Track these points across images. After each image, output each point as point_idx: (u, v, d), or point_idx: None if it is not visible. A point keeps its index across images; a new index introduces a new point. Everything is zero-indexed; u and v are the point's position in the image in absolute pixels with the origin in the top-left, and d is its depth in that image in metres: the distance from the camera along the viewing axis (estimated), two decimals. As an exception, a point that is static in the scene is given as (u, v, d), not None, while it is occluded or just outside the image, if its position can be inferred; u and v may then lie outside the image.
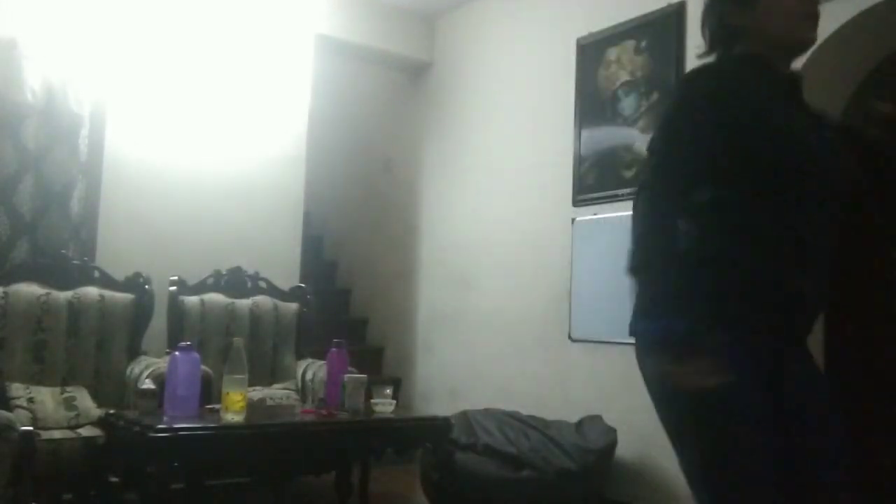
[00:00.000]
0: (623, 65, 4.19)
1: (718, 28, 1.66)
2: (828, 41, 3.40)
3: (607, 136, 4.24)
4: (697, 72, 1.61)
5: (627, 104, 4.14)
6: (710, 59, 1.67)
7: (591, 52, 4.37)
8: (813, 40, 1.61)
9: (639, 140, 4.06)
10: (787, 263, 1.53)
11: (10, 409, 3.10)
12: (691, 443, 1.59)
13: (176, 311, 3.96)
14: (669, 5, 3.97)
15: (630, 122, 4.12)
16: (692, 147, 1.51)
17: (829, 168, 1.53)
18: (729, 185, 1.52)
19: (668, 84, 3.95)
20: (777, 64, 1.61)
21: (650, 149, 1.58)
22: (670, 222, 1.51)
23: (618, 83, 4.21)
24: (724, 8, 1.64)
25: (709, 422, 1.50)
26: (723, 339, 1.46)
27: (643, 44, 4.11)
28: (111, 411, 3.19)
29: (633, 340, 1.61)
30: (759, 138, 1.50)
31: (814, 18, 1.60)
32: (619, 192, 4.09)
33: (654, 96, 4.02)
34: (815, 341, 3.69)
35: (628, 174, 4.08)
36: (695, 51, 1.69)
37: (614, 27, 4.25)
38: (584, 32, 4.41)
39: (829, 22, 3.38)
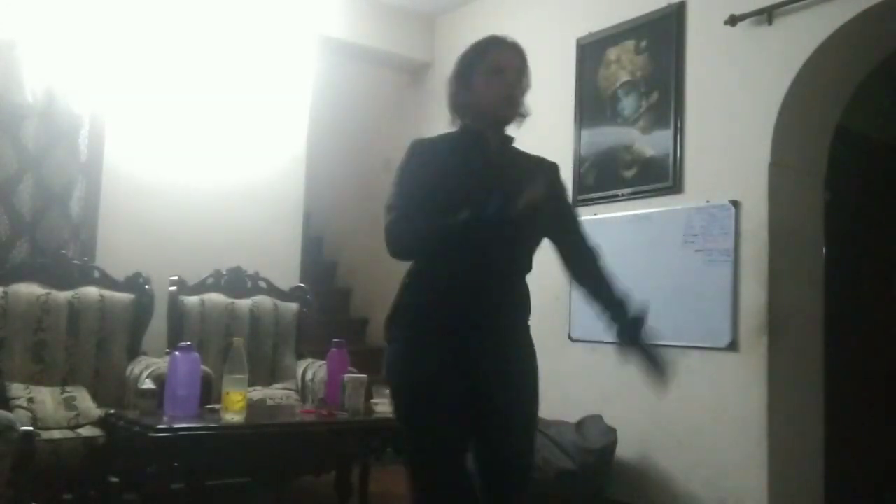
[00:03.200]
0: (623, 65, 4.19)
1: (451, 103, 2.16)
2: (828, 41, 3.41)
3: (607, 136, 4.24)
4: (413, 142, 2.19)
5: (627, 104, 4.14)
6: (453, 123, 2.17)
7: (591, 52, 4.37)
8: (508, 117, 2.13)
9: (639, 140, 4.06)
10: (449, 270, 2.04)
11: (10, 409, 3.10)
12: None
13: (176, 311, 3.96)
14: (669, 5, 3.97)
15: (630, 122, 4.12)
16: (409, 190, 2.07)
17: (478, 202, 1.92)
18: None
19: (668, 84, 3.95)
20: (486, 131, 2.12)
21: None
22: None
23: (618, 83, 4.21)
24: (452, 89, 2.16)
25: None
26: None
27: (643, 44, 4.11)
28: (111, 411, 3.19)
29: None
30: (433, 185, 2.03)
31: (512, 100, 2.10)
32: (619, 192, 4.10)
33: (654, 96, 4.02)
34: (816, 339, 3.69)
35: (628, 174, 4.08)
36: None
37: (614, 27, 4.25)
38: (584, 32, 4.41)
39: (829, 22, 3.39)
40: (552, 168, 2.28)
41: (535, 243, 2.18)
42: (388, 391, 3.42)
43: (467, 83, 2.12)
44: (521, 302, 2.17)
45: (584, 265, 2.24)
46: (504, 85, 2.09)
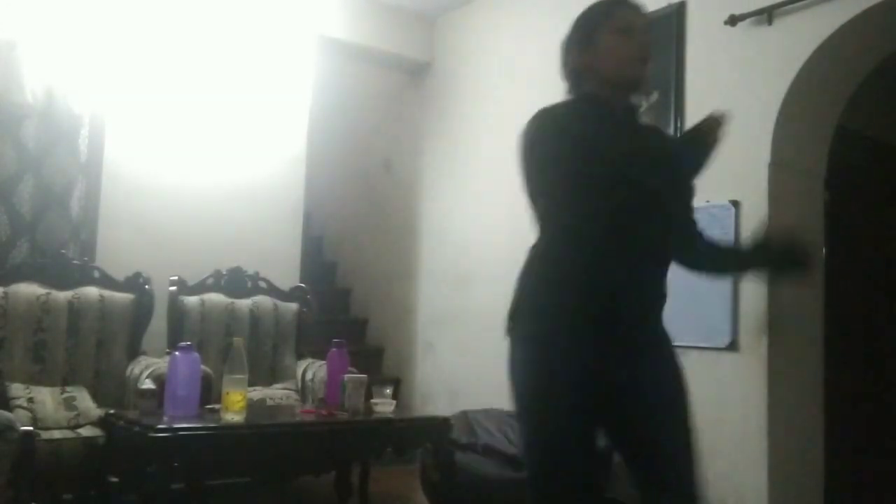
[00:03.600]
0: (623, 65, 4.19)
1: (569, 70, 1.94)
2: (828, 41, 3.40)
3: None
4: (537, 113, 1.90)
5: (627, 104, 4.14)
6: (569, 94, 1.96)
7: (591, 52, 4.37)
8: (642, 79, 1.88)
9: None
10: (604, 259, 1.76)
11: (10, 409, 3.10)
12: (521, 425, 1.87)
13: (176, 311, 3.96)
14: (669, 5, 3.97)
15: (630, 122, 4.11)
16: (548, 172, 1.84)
17: (644, 177, 1.76)
18: (560, 197, 1.83)
19: (668, 84, 3.95)
20: (611, 99, 1.87)
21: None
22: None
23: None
24: (570, 54, 1.93)
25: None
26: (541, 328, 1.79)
27: (643, 44, 4.10)
28: (111, 411, 3.20)
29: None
30: (581, 159, 1.75)
31: (643, 61, 1.87)
32: (619, 192, 4.09)
33: (654, 96, 4.02)
34: (816, 339, 3.69)
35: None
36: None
37: (614, 27, 4.24)
38: (584, 32, 4.40)
39: (829, 22, 3.39)
40: (701, 136, 1.92)
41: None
42: (389, 391, 3.45)
43: (590, 44, 1.88)
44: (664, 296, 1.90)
45: (701, 248, 2.07)
46: (635, 45, 1.86)
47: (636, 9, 1.93)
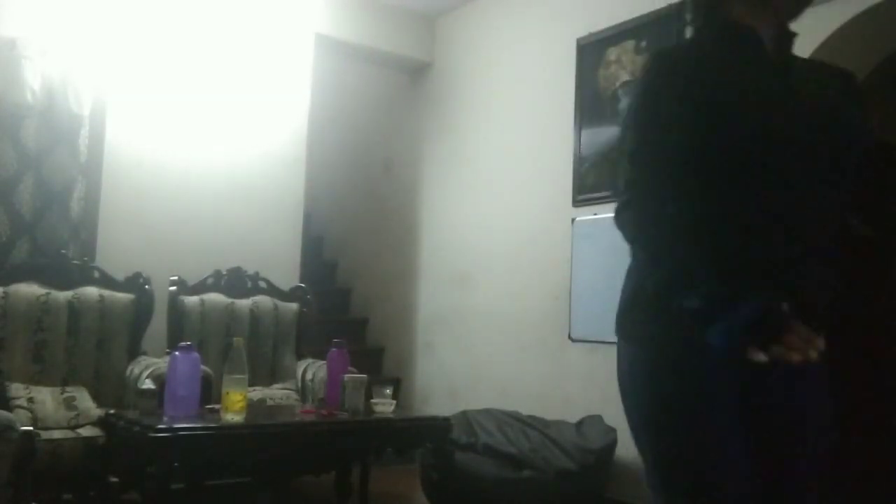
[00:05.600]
0: (623, 65, 4.19)
1: None
2: (828, 41, 3.40)
3: (607, 136, 4.24)
4: (659, 56, 1.43)
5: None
6: (692, 15, 1.49)
7: (591, 52, 4.37)
8: (805, 2, 1.44)
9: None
10: (756, 238, 1.35)
11: (10, 409, 3.09)
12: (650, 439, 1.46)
13: (176, 311, 3.96)
14: (669, 5, 3.97)
15: (630, 122, 4.11)
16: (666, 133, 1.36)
17: (803, 133, 1.35)
18: (699, 168, 1.35)
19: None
20: (758, 25, 1.42)
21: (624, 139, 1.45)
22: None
23: (618, 83, 4.21)
24: None
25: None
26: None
27: (643, 44, 4.10)
28: (111, 411, 3.20)
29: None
30: (721, 119, 1.33)
31: None
32: (619, 192, 4.09)
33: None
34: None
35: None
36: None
37: (614, 27, 4.25)
38: (584, 32, 4.41)
39: (829, 22, 3.39)
40: (853, 84, 1.55)
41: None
42: (389, 391, 3.44)
43: None
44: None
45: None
46: None
47: None
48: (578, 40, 4.43)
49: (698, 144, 1.33)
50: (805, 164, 1.35)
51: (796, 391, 1.44)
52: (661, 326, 1.38)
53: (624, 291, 1.52)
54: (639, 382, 1.47)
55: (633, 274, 1.52)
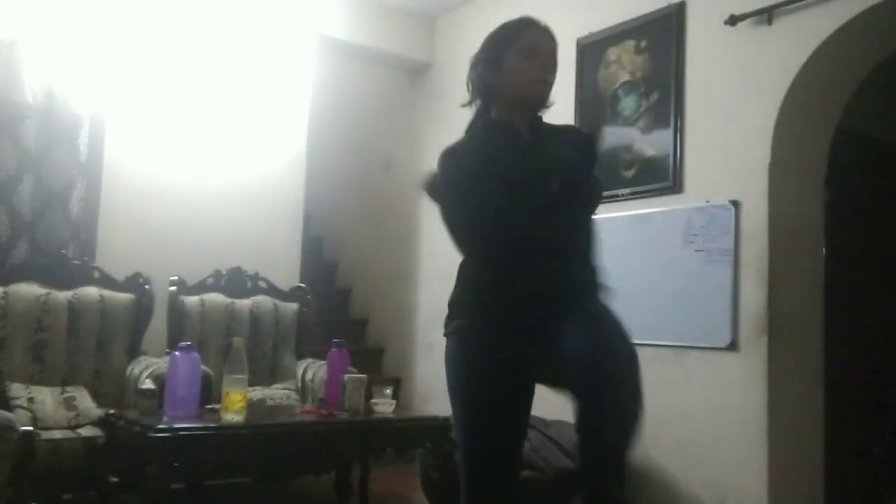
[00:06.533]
0: (623, 65, 4.19)
1: (478, 84, 2.03)
2: (828, 41, 3.41)
3: (607, 136, 4.23)
4: (443, 153, 2.00)
5: (627, 104, 4.14)
6: (470, 107, 2.07)
7: (591, 52, 4.37)
8: (543, 99, 2.01)
9: (639, 140, 4.06)
10: (509, 262, 1.91)
11: (10, 409, 3.10)
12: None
13: (176, 311, 3.96)
14: (669, 5, 3.97)
15: (630, 122, 4.12)
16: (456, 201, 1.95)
17: (534, 186, 1.90)
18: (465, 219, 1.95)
19: (668, 84, 3.95)
20: (515, 118, 2.01)
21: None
22: None
23: (618, 83, 4.21)
24: (479, 71, 2.03)
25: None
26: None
27: (643, 44, 4.11)
28: (111, 411, 3.19)
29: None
30: (480, 190, 1.89)
31: (545, 84, 1.99)
32: (619, 192, 4.09)
33: (655, 96, 4.02)
34: (816, 339, 3.69)
35: (628, 174, 4.08)
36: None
37: (614, 27, 4.25)
38: (584, 32, 4.41)
39: (829, 22, 3.39)
40: (580, 137, 2.04)
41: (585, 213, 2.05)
42: (388, 391, 3.45)
43: (497, 64, 1.99)
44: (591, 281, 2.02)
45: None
46: (538, 67, 1.98)
47: (543, 31, 2.04)
48: (578, 40, 4.43)
49: (475, 199, 1.90)
50: (540, 197, 1.89)
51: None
52: (458, 326, 2.01)
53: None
54: (446, 369, 2.06)
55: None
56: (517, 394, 2.01)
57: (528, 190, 1.89)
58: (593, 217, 2.08)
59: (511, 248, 1.91)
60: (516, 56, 1.98)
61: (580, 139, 1.99)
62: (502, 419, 1.98)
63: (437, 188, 2.00)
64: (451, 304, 2.04)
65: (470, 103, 2.07)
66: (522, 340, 1.90)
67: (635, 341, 1.90)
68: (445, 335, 2.04)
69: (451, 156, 1.99)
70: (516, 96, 2.00)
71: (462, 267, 2.06)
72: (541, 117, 2.06)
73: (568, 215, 1.95)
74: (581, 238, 2.03)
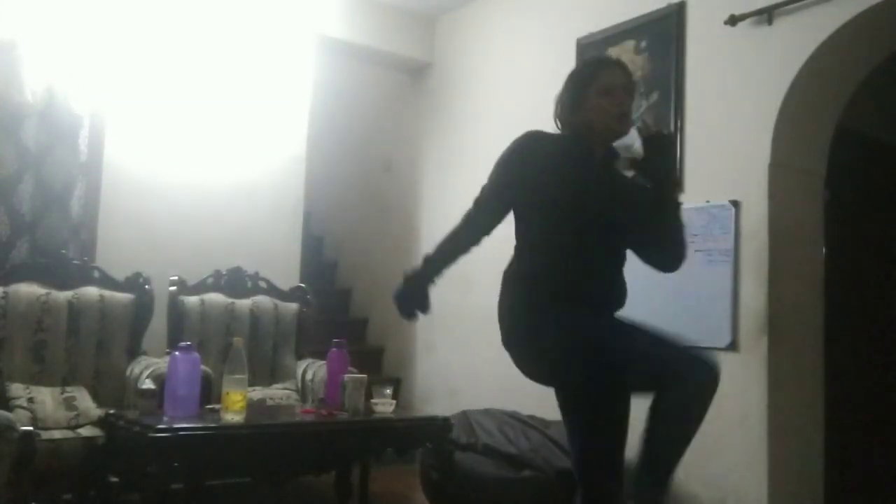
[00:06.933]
0: (623, 65, 4.19)
1: (562, 120, 2.31)
2: (828, 41, 3.40)
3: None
4: (528, 133, 2.27)
5: (627, 104, 4.14)
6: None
7: (591, 52, 4.37)
8: (622, 131, 2.27)
9: (639, 140, 4.05)
10: (574, 273, 2.20)
11: (10, 409, 3.10)
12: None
13: (176, 311, 3.96)
14: (669, 5, 3.97)
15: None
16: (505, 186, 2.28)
17: (601, 207, 2.20)
18: (530, 218, 2.26)
19: (668, 84, 3.95)
20: (594, 142, 2.26)
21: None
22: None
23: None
24: (565, 108, 2.28)
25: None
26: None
27: (643, 44, 4.10)
28: (111, 411, 3.19)
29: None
30: (550, 186, 2.19)
31: (624, 118, 2.23)
32: (619, 192, 4.09)
33: (655, 96, 4.02)
34: (816, 338, 3.69)
35: (628, 174, 4.07)
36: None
37: (614, 27, 4.25)
38: (584, 32, 4.41)
39: (829, 22, 3.39)
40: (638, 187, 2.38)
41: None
42: (389, 391, 3.45)
43: (578, 102, 2.24)
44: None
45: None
46: (616, 105, 2.21)
47: (618, 68, 2.28)
48: (578, 40, 4.43)
49: (532, 190, 2.22)
50: (597, 222, 2.20)
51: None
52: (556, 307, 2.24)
53: None
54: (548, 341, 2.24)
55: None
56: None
57: (586, 213, 2.17)
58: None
59: (576, 253, 2.19)
60: (596, 95, 2.21)
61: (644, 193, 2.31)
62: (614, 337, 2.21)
63: (500, 162, 2.27)
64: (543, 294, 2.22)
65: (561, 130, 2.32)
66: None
67: None
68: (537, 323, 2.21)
69: (533, 140, 2.25)
70: (598, 130, 2.24)
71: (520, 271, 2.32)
72: (617, 153, 2.34)
73: (623, 234, 2.25)
74: (624, 253, 2.34)
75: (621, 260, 2.33)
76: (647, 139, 2.27)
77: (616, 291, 2.30)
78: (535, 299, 2.22)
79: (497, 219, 2.29)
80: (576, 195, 2.17)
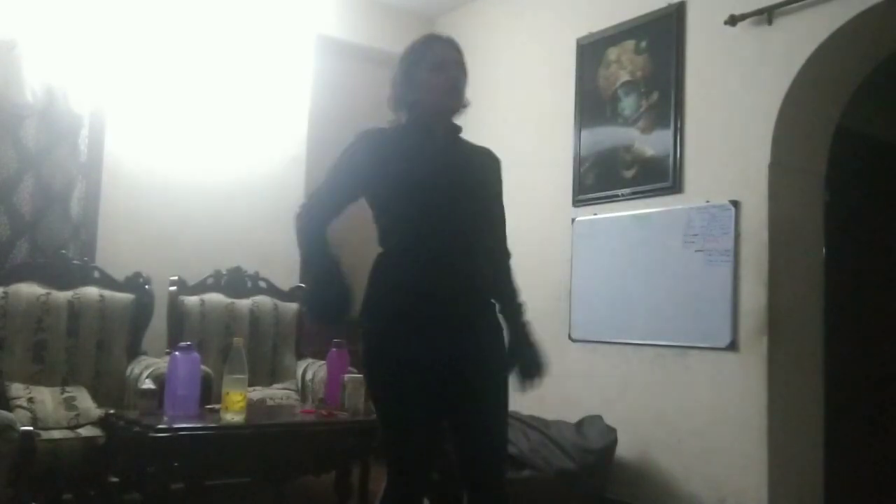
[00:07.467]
0: (623, 65, 4.19)
1: (397, 102, 2.26)
2: (828, 41, 3.41)
3: (607, 136, 4.24)
4: (365, 131, 2.23)
5: (627, 104, 4.14)
6: (394, 119, 2.28)
7: (591, 52, 4.37)
8: (457, 106, 2.23)
9: (639, 140, 4.06)
10: (413, 259, 2.15)
11: (10, 409, 3.10)
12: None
13: (176, 311, 3.96)
14: (669, 5, 3.97)
15: (630, 122, 4.12)
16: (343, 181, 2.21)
17: (443, 188, 2.12)
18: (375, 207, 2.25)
19: (668, 84, 3.95)
20: (433, 123, 2.22)
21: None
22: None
23: (618, 83, 4.21)
24: (399, 89, 2.24)
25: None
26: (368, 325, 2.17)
27: (643, 44, 4.11)
28: (111, 411, 3.20)
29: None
30: (385, 181, 2.13)
31: (455, 91, 2.21)
32: (619, 192, 4.09)
33: (655, 96, 4.02)
34: (816, 338, 3.69)
35: (628, 174, 4.08)
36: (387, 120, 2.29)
37: (614, 27, 4.25)
38: (584, 32, 4.41)
39: (829, 22, 3.39)
40: (495, 161, 2.38)
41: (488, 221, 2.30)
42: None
43: (412, 80, 2.22)
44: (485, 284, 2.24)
45: (496, 270, 2.29)
46: (448, 77, 2.20)
47: (447, 44, 2.27)
48: (578, 40, 4.43)
49: (382, 193, 2.18)
50: (443, 199, 2.12)
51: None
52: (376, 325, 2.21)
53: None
54: (365, 364, 2.19)
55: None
56: (431, 395, 2.13)
57: (435, 186, 2.11)
58: (498, 244, 2.33)
59: (421, 242, 2.13)
60: (427, 71, 2.20)
61: (491, 161, 2.35)
62: (420, 411, 2.12)
63: (338, 159, 2.21)
64: (369, 304, 2.24)
65: (396, 118, 2.28)
66: (434, 340, 2.10)
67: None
68: (362, 332, 2.20)
69: (370, 136, 2.21)
70: (432, 107, 2.21)
71: (374, 268, 2.31)
72: (459, 127, 2.29)
73: (472, 219, 2.18)
74: (483, 250, 2.23)
75: (470, 253, 2.20)
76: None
77: (464, 294, 2.17)
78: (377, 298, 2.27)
79: (332, 214, 2.28)
80: (412, 175, 2.13)
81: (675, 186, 3.86)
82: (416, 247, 2.14)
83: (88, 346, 3.64)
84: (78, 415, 3.26)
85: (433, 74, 2.19)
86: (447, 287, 2.11)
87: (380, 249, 2.30)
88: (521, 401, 4.18)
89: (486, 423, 2.17)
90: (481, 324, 2.19)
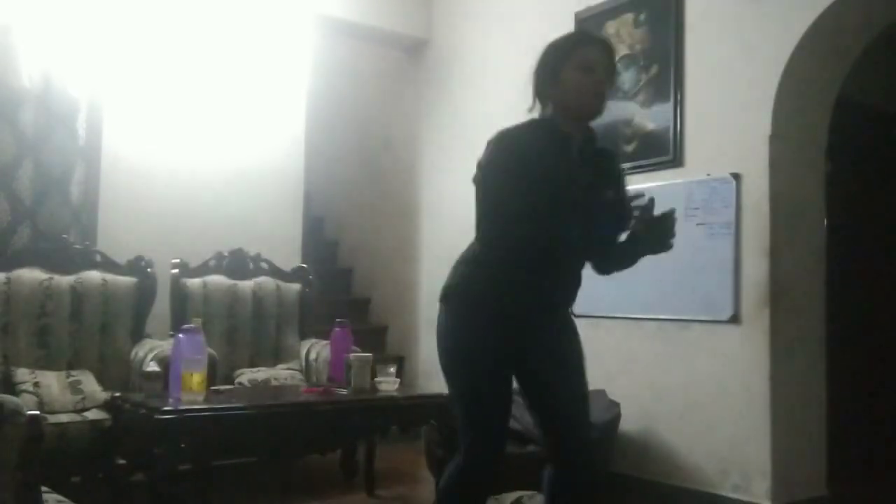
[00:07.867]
0: (622, 38, 4.16)
1: (537, 92, 2.22)
2: (828, 11, 3.38)
3: (607, 110, 4.20)
4: (501, 133, 2.16)
5: (627, 78, 4.12)
6: (533, 111, 2.24)
7: (589, 25, 4.34)
8: (598, 111, 2.16)
9: (639, 114, 4.05)
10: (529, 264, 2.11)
11: (16, 393, 3.12)
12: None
13: (179, 294, 3.97)
14: (668, -23, 3.94)
15: (630, 95, 4.10)
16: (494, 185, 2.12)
17: (574, 195, 2.07)
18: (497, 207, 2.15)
19: (667, 57, 3.92)
20: (570, 125, 2.16)
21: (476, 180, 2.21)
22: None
23: (617, 57, 4.18)
24: (540, 80, 2.20)
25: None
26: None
27: (642, 17, 4.08)
28: (117, 394, 3.21)
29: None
30: (523, 178, 2.04)
31: (600, 97, 2.13)
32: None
33: (654, 69, 4.00)
34: (818, 310, 3.70)
35: (628, 148, 4.07)
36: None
37: (612, 0, 4.21)
38: (582, 6, 4.38)
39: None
40: (621, 169, 2.36)
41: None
42: (392, 369, 3.46)
43: (555, 77, 2.15)
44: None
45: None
46: (594, 82, 2.13)
47: (597, 45, 2.20)
48: (576, 14, 4.40)
49: (515, 197, 2.06)
50: (576, 214, 2.07)
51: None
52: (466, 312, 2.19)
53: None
54: (446, 341, 2.22)
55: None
56: (507, 373, 2.21)
57: (565, 193, 2.05)
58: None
59: (538, 247, 2.09)
60: (572, 72, 2.12)
61: (620, 169, 2.32)
62: (497, 385, 2.18)
63: (484, 167, 2.14)
64: (459, 290, 2.21)
65: (532, 109, 2.24)
66: (520, 337, 2.15)
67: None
68: (448, 311, 2.21)
69: (507, 139, 2.13)
70: (573, 108, 2.15)
71: (474, 258, 2.25)
72: (595, 133, 2.23)
73: (589, 229, 2.12)
74: (585, 252, 2.21)
75: (580, 261, 2.24)
76: (658, 218, 2.23)
77: (563, 299, 2.27)
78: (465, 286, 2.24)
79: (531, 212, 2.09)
80: (548, 180, 2.05)
81: (676, 160, 3.85)
82: (532, 255, 2.11)
83: (92, 330, 3.66)
84: (84, 398, 3.28)
85: (579, 75, 2.12)
86: (550, 289, 2.17)
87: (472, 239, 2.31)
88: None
89: (580, 404, 2.25)
90: (571, 324, 2.30)
